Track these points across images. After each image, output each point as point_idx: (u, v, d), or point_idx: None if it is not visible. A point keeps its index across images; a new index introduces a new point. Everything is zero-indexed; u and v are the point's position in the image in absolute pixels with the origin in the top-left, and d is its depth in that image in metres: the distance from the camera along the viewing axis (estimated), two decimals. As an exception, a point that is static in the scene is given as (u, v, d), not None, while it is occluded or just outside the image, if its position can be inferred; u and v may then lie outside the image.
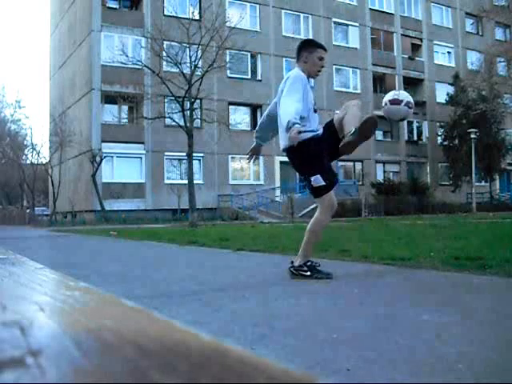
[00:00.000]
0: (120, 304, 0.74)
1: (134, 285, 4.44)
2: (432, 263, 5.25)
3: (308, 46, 5.03)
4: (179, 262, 6.80)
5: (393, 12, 42.80)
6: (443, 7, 45.65)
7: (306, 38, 38.82)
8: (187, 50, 23.01)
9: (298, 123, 4.30)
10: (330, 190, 4.70)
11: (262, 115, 5.54)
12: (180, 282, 4.53)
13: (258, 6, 36.36)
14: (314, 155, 4.69)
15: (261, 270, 5.29)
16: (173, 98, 23.32)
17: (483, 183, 41.98)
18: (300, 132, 4.31)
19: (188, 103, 22.80)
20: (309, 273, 4.59)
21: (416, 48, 44.24)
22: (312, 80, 5.34)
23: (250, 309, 3.24)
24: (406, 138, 42.73)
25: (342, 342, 2.39)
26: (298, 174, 5.43)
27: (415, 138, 43.43)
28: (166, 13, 30.81)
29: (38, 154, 47.21)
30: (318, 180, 4.64)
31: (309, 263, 4.66)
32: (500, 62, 40.79)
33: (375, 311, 3.08)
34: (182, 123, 22.53)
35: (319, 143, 4.70)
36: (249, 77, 35.17)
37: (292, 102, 4.55)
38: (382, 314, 3.01)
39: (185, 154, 23.48)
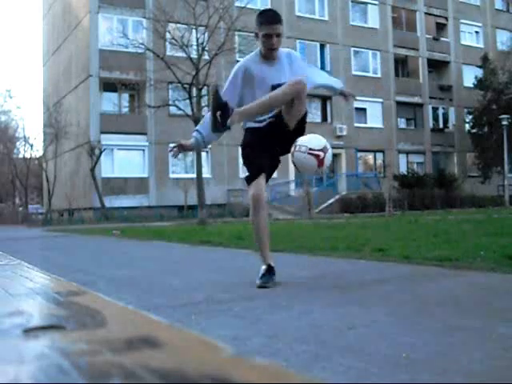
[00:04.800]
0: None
1: (150, 293, 4.21)
2: (484, 264, 5.00)
3: (256, 22, 4.49)
4: (196, 265, 6.58)
5: (415, -12, 42.43)
6: (470, -18, 45.22)
7: (320, 18, 38.59)
8: (194, 31, 22.77)
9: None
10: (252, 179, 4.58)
11: None
12: (202, 289, 4.29)
13: (268, -17, 36.05)
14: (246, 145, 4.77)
15: (290, 272, 5.04)
16: (178, 84, 23.10)
17: (516, 174, 41.65)
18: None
19: (195, 90, 22.57)
20: None
21: (441, 28, 43.80)
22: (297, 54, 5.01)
23: (293, 321, 3.00)
24: (431, 125, 42.35)
25: (417, 363, 2.13)
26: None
27: (441, 125, 43.02)
28: (169, -10, 30.57)
29: (31, 147, 47.39)
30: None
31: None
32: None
33: (441, 323, 2.82)
34: (188, 111, 22.30)
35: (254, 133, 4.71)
36: (259, 61, 34.89)
37: None
38: (449, 325, 2.75)
39: (191, 145, 23.19)
